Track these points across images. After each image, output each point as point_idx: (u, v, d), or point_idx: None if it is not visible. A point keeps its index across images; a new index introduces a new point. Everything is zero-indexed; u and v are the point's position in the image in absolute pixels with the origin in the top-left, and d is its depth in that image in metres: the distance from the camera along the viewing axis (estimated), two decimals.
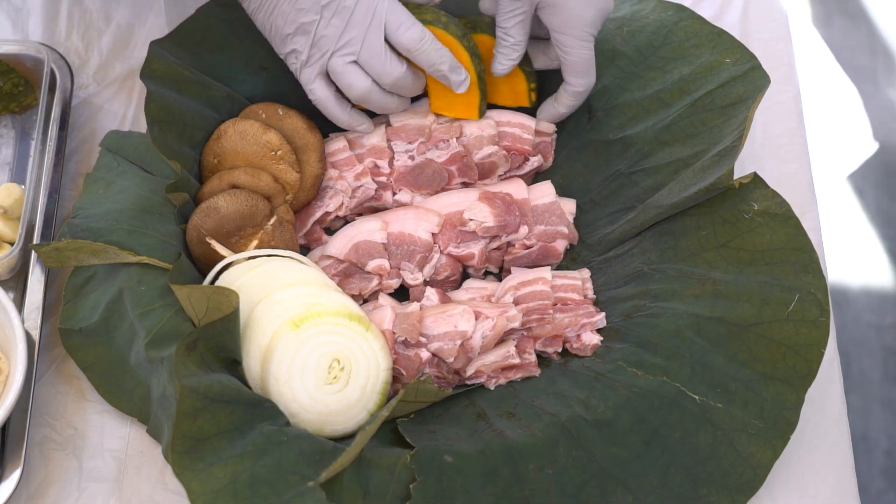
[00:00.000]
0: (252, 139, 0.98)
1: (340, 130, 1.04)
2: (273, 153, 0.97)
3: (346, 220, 1.02)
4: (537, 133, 1.04)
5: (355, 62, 0.95)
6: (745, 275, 0.91)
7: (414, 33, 0.94)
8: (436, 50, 0.95)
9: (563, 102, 1.03)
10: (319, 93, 0.97)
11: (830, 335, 0.94)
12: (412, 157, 1.02)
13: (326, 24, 0.93)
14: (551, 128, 1.06)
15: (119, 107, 1.10)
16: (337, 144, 1.02)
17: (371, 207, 1.02)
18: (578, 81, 1.01)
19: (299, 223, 1.00)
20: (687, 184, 0.95)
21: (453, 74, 0.97)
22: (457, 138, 1.02)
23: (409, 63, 0.97)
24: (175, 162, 0.93)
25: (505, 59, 1.00)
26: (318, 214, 1.00)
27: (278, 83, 1.04)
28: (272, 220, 0.94)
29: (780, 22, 1.19)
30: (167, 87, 0.98)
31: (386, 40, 0.94)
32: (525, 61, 1.04)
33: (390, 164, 1.02)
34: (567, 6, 0.98)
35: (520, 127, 1.03)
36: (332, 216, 1.01)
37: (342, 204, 1.00)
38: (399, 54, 0.96)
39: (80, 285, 0.94)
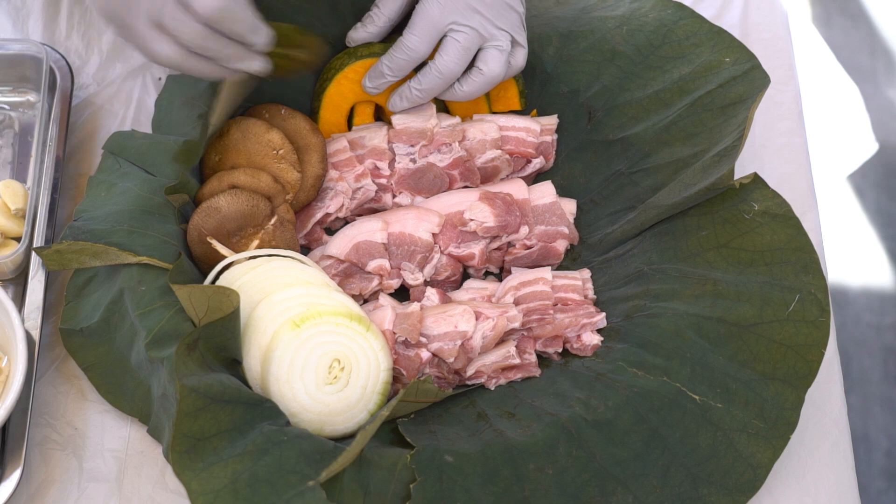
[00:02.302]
0: (254, 137, 0.98)
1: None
2: (275, 152, 0.97)
3: (346, 221, 1.02)
4: (541, 132, 1.04)
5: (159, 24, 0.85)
6: (745, 275, 0.91)
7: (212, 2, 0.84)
8: (238, 19, 0.86)
9: (389, 56, 0.98)
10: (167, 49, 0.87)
11: (830, 335, 0.94)
12: (413, 160, 1.02)
13: None
14: (553, 122, 1.05)
15: (119, 107, 1.10)
16: (338, 145, 1.02)
17: (371, 209, 1.02)
18: (406, 34, 0.97)
19: (300, 224, 1.00)
20: (687, 184, 0.95)
21: (254, 36, 0.88)
22: (459, 142, 1.02)
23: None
24: (179, 164, 0.93)
25: (362, 27, 1.01)
26: (318, 215, 1.00)
27: (281, 85, 1.04)
28: (273, 220, 0.94)
29: (780, 22, 1.19)
30: (186, 78, 0.97)
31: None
32: None
33: (391, 165, 1.02)
34: None
35: (525, 130, 1.03)
36: (333, 217, 1.01)
37: (342, 205, 1.00)
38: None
39: (82, 286, 0.94)
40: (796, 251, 0.91)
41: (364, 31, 1.02)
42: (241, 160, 0.98)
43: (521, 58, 1.01)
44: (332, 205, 1.00)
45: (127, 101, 1.10)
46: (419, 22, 0.97)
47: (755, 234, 0.93)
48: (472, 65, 0.99)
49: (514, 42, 0.99)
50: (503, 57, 0.98)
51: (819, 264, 0.91)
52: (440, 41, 0.98)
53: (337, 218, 1.01)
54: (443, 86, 0.99)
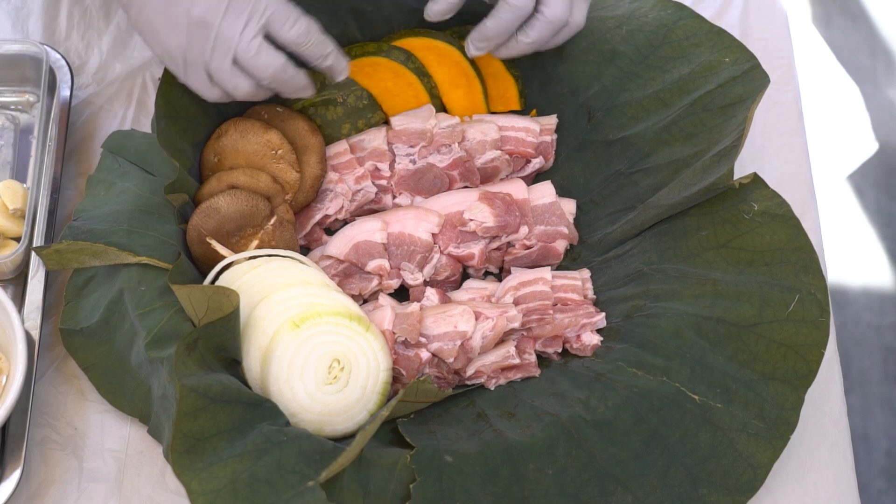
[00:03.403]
0: (253, 138, 0.98)
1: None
2: (273, 152, 0.97)
3: (345, 221, 1.02)
4: (540, 132, 1.04)
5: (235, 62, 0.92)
6: (745, 275, 0.91)
7: (300, 27, 0.91)
8: (321, 42, 0.93)
9: (492, 17, 0.98)
10: (246, 84, 0.93)
11: (830, 335, 0.94)
12: (413, 161, 1.02)
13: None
14: (552, 122, 1.05)
15: (119, 107, 1.10)
16: (338, 147, 1.02)
17: (371, 210, 1.02)
18: None
19: (299, 225, 1.00)
20: (687, 184, 0.95)
21: (338, 62, 0.95)
22: (459, 143, 1.02)
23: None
24: (176, 161, 0.93)
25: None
26: (317, 217, 1.00)
27: None
28: (272, 221, 0.94)
29: (780, 22, 1.19)
30: None
31: (267, 37, 0.91)
32: (512, 64, 1.05)
33: (391, 167, 1.02)
34: None
35: (524, 131, 1.03)
36: (332, 219, 1.01)
37: (342, 207, 1.00)
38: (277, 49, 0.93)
39: (81, 286, 0.94)
40: (796, 251, 0.91)
41: (445, 2, 0.99)
42: (240, 160, 0.98)
43: (581, 15, 1.00)
44: (331, 206, 1.00)
45: (127, 101, 1.10)
46: None
47: (755, 234, 0.93)
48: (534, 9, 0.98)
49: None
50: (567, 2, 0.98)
51: (819, 264, 0.91)
52: None
53: (336, 219, 1.01)
54: (551, 34, 0.99)
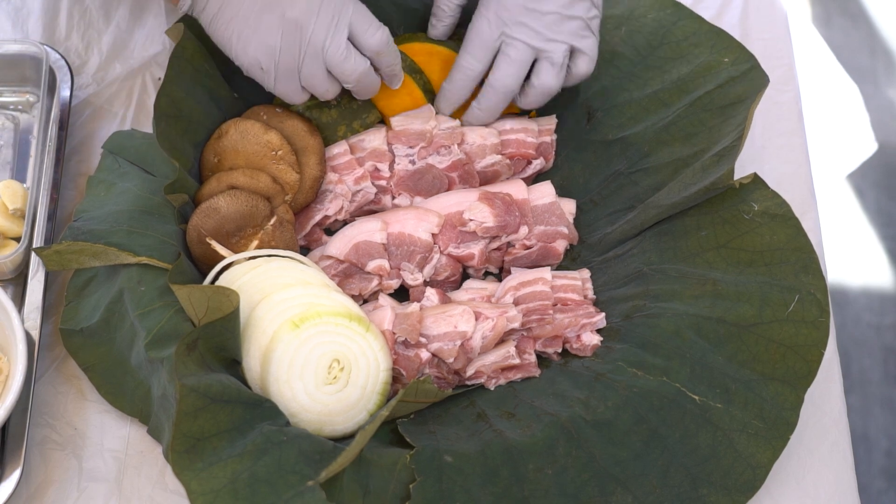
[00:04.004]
0: (253, 138, 0.98)
1: None
2: (273, 153, 0.97)
3: (345, 221, 1.02)
4: (540, 133, 1.04)
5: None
6: (744, 275, 0.91)
7: (382, 35, 0.95)
8: (395, 51, 0.97)
9: (449, 79, 1.01)
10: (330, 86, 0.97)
11: (830, 335, 0.94)
12: (413, 162, 1.02)
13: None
14: (552, 122, 1.05)
15: (119, 107, 1.10)
16: (338, 148, 1.02)
17: (370, 210, 1.02)
18: (462, 53, 1.00)
19: (298, 225, 1.00)
20: (687, 183, 0.95)
21: (400, 71, 1.00)
22: (458, 145, 1.02)
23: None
24: (177, 160, 0.93)
25: (435, 19, 1.03)
26: (317, 217, 1.00)
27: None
28: (272, 221, 0.94)
29: (780, 22, 1.19)
30: (186, 74, 0.97)
31: (350, 40, 0.94)
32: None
33: (391, 167, 1.02)
34: None
35: (524, 132, 1.03)
36: (332, 219, 1.01)
37: (342, 208, 1.00)
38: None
39: (82, 286, 0.94)
40: (796, 251, 0.91)
41: (441, 25, 1.04)
42: (240, 161, 0.98)
43: (583, 65, 1.00)
44: (331, 207, 1.00)
45: (127, 101, 1.10)
46: (471, 40, 0.99)
47: (755, 234, 0.93)
48: (528, 77, 1.00)
49: (574, 50, 0.99)
50: (555, 70, 0.98)
51: (818, 264, 0.91)
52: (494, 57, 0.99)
53: (336, 220, 1.01)
54: (503, 101, 1.01)
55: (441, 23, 1.04)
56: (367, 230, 0.97)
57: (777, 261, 0.91)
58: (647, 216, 0.97)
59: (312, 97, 0.99)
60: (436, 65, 1.05)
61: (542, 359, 0.95)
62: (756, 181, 0.94)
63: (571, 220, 1.02)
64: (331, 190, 1.00)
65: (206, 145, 0.99)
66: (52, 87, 1.06)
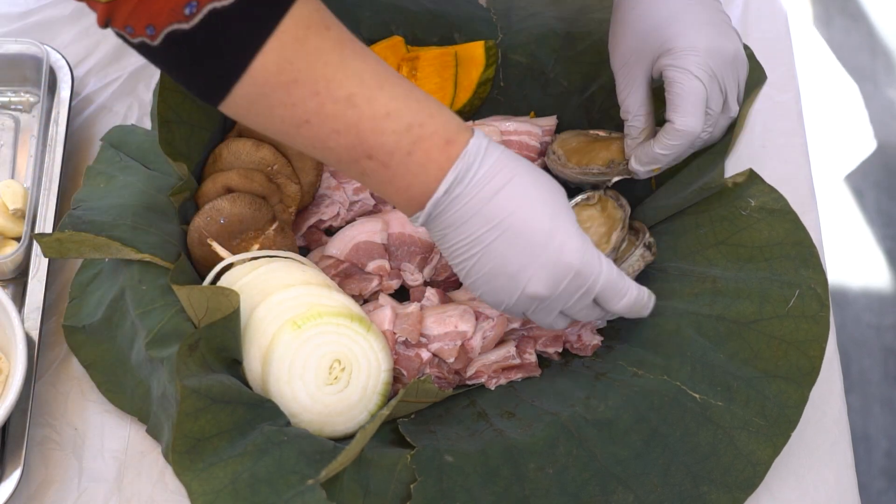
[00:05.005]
0: (246, 157, 0.97)
1: None
2: (269, 168, 0.97)
3: (347, 221, 1.02)
4: (541, 134, 1.04)
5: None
6: (744, 271, 0.91)
7: (629, 299, 0.84)
8: (643, 304, 0.87)
9: (659, 141, 0.92)
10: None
11: (831, 335, 0.94)
12: None
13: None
14: (552, 122, 1.05)
15: (119, 106, 1.10)
16: None
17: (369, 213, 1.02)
18: (676, 117, 0.90)
19: (294, 227, 1.00)
20: (683, 183, 0.95)
21: (643, 309, 0.87)
22: None
23: None
24: (182, 165, 0.92)
25: (629, 138, 0.96)
26: (312, 220, 1.00)
27: None
28: (274, 226, 0.94)
29: (780, 22, 1.19)
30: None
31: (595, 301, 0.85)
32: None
33: None
34: (682, 35, 0.90)
35: (527, 134, 1.03)
36: (327, 224, 1.00)
37: (338, 214, 1.00)
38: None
39: (86, 283, 0.94)
40: (795, 245, 0.91)
41: (634, 143, 0.96)
42: None
43: (723, 123, 0.94)
44: (327, 212, 1.00)
45: (127, 100, 1.10)
46: (682, 100, 0.90)
47: (753, 229, 0.93)
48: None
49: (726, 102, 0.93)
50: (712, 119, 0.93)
51: (818, 258, 0.91)
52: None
53: (332, 226, 1.01)
54: (690, 147, 0.94)
55: (635, 140, 0.96)
56: (368, 230, 0.97)
57: (776, 255, 0.91)
58: (646, 216, 0.97)
59: None
60: (430, 67, 1.05)
61: (542, 358, 0.95)
62: (752, 177, 0.94)
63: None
64: (329, 195, 1.00)
65: (204, 170, 0.98)
66: (52, 87, 1.06)
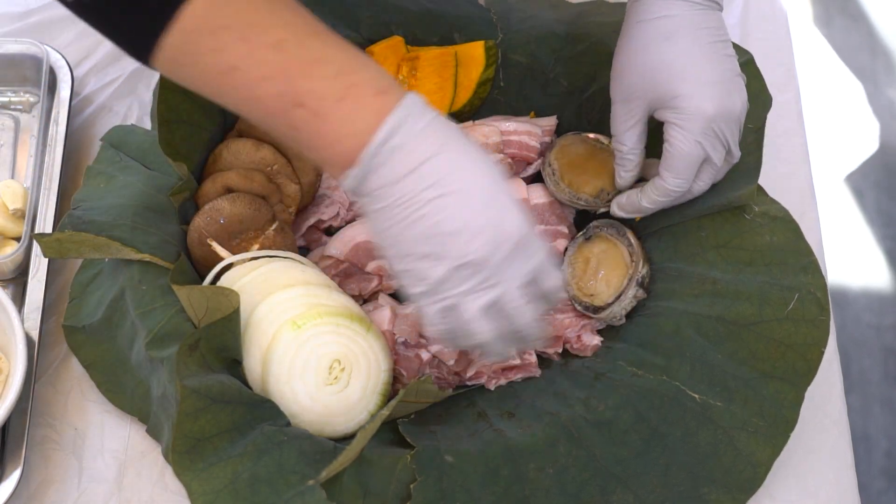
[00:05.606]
0: (246, 157, 0.97)
1: None
2: (269, 168, 0.97)
3: (347, 221, 1.02)
4: (541, 134, 1.04)
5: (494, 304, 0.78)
6: (744, 274, 0.91)
7: (559, 279, 0.80)
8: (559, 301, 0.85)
9: (647, 194, 0.93)
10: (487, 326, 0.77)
11: (830, 335, 0.94)
12: None
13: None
14: (552, 123, 1.05)
15: (119, 106, 1.10)
16: None
17: None
18: (669, 177, 0.91)
19: (294, 227, 1.00)
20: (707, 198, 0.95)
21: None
22: None
23: None
24: (182, 165, 0.92)
25: (623, 170, 0.95)
26: (312, 220, 1.00)
27: None
28: (274, 226, 0.94)
29: (780, 22, 1.19)
30: None
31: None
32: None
33: None
34: (690, 97, 0.89)
35: (527, 135, 1.03)
36: (326, 224, 1.00)
37: (337, 214, 1.00)
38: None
39: (87, 283, 0.94)
40: (795, 253, 0.92)
41: (628, 175, 0.96)
42: None
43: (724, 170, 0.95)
44: (327, 212, 1.00)
45: (127, 100, 1.10)
46: (679, 162, 0.90)
47: (754, 234, 0.93)
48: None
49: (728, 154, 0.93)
50: (710, 172, 0.93)
51: (818, 265, 0.91)
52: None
53: (331, 226, 1.01)
54: (677, 202, 0.94)
55: (629, 173, 0.96)
56: (368, 230, 0.97)
57: (777, 261, 0.91)
58: (651, 218, 0.97)
59: None
60: (430, 67, 1.05)
61: (542, 359, 0.95)
62: (757, 191, 0.95)
63: (571, 220, 1.02)
64: (328, 195, 1.00)
65: (205, 170, 0.98)
66: (52, 87, 1.06)
